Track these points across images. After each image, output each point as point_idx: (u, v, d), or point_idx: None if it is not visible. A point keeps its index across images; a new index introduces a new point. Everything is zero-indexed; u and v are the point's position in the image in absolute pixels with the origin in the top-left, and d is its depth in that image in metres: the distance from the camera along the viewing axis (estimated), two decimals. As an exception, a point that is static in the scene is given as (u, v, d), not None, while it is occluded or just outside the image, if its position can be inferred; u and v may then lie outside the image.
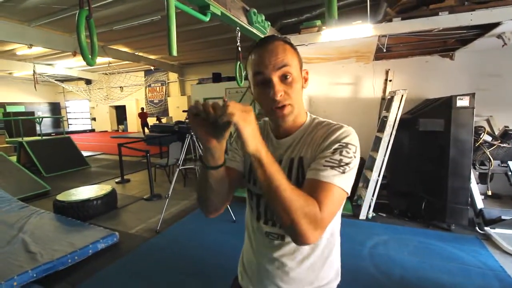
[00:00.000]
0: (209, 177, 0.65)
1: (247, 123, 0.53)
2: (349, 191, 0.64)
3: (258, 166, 0.56)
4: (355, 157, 0.66)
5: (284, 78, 0.67)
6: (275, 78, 0.66)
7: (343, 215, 3.50)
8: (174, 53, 1.36)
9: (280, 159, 0.75)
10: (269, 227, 0.77)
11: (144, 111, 13.24)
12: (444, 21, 2.74)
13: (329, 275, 0.80)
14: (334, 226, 0.80)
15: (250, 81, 0.72)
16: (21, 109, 14.80)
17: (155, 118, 13.33)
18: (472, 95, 2.81)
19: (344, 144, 0.66)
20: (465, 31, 3.03)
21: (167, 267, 2.44)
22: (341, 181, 0.62)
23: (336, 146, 0.66)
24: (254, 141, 0.54)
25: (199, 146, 3.81)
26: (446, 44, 3.71)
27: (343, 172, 0.63)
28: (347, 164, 0.64)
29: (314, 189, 0.61)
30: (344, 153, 0.65)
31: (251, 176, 0.80)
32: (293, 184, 0.70)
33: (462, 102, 2.83)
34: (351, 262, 2.46)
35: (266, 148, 0.56)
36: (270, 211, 0.77)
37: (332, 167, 0.63)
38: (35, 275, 2.15)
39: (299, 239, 0.58)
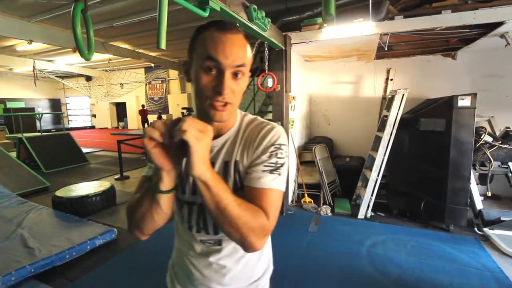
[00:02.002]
0: (159, 201, 0.60)
1: (200, 143, 0.50)
2: (284, 189, 0.67)
3: (204, 189, 0.55)
4: (287, 156, 0.69)
5: (235, 75, 0.63)
6: (228, 73, 0.61)
7: (340, 214, 3.48)
8: (163, 46, 1.33)
9: (213, 162, 0.70)
10: (203, 235, 0.74)
11: (145, 108, 13.25)
12: (447, 19, 2.72)
13: (263, 267, 0.81)
14: None
15: (194, 60, 0.64)
16: (21, 105, 14.80)
17: (156, 116, 13.30)
18: (473, 95, 2.80)
19: (278, 146, 0.67)
20: (468, 30, 3.01)
21: (165, 264, 2.43)
22: (279, 183, 0.65)
23: (271, 149, 0.66)
24: (200, 165, 0.52)
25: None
26: (448, 44, 3.68)
27: (280, 174, 0.65)
28: (282, 165, 0.66)
29: (257, 197, 0.62)
30: (279, 155, 0.66)
31: (180, 184, 0.73)
32: (231, 189, 0.65)
33: (464, 102, 2.81)
34: (349, 261, 2.45)
35: (211, 170, 0.55)
36: (203, 220, 0.72)
37: (271, 171, 0.64)
38: (33, 270, 2.16)
39: (248, 250, 0.60)
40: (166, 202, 0.61)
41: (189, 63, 0.67)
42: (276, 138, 0.68)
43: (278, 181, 0.65)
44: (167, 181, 0.58)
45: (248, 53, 0.65)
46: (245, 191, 0.65)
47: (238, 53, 0.61)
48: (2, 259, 2.24)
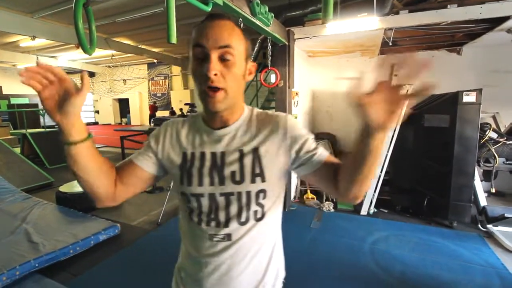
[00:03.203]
0: (72, 154, 0.62)
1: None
2: None
3: (381, 143, 0.57)
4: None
5: (223, 58, 0.62)
6: (214, 55, 0.61)
7: (343, 210, 3.48)
8: (174, 40, 1.32)
9: (223, 152, 0.70)
10: (213, 229, 0.70)
11: (156, 104, 13.63)
12: (453, 14, 2.68)
13: (274, 271, 0.78)
14: (279, 222, 0.79)
15: (190, 55, 0.67)
16: (25, 101, 14.83)
17: (168, 112, 13.34)
18: (479, 91, 2.76)
19: (297, 126, 0.73)
20: (474, 25, 2.96)
21: (167, 259, 2.44)
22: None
23: (301, 132, 0.72)
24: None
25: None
26: (453, 39, 3.63)
27: (317, 142, 0.74)
28: (311, 136, 0.74)
29: (332, 162, 0.70)
30: (304, 131, 0.73)
31: (185, 177, 0.71)
32: (249, 175, 0.68)
33: (469, 98, 2.78)
34: (351, 257, 2.45)
35: None
36: (215, 210, 0.70)
37: (317, 145, 0.73)
38: (37, 265, 2.18)
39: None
40: (82, 156, 0.63)
41: (189, 60, 0.68)
42: (292, 122, 0.73)
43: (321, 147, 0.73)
44: (63, 133, 0.60)
45: (236, 37, 0.64)
46: (322, 167, 0.70)
47: (222, 34, 0.62)
48: (6, 253, 2.27)
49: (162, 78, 14.24)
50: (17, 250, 2.32)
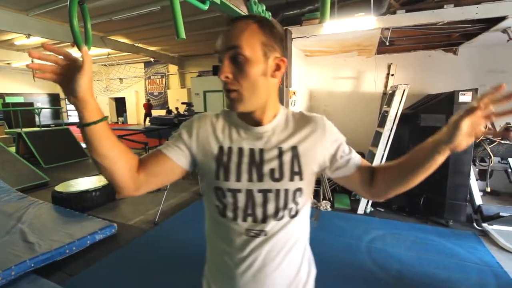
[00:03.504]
0: (87, 137, 0.61)
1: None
2: None
3: (442, 160, 0.62)
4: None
5: (234, 59, 0.62)
6: (225, 59, 0.62)
7: (340, 210, 3.48)
8: (183, 35, 1.32)
9: (262, 149, 0.70)
10: (249, 223, 0.69)
11: (150, 102, 13.54)
12: (449, 14, 2.70)
13: (306, 268, 0.79)
14: (309, 220, 0.79)
15: None
16: (20, 100, 14.71)
17: (164, 111, 13.30)
18: (474, 91, 2.78)
19: (342, 137, 0.76)
20: (470, 25, 2.98)
21: (164, 259, 2.45)
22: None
23: (336, 136, 0.75)
24: None
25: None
26: (450, 39, 3.65)
27: (350, 146, 0.78)
28: (344, 140, 0.78)
29: (366, 166, 0.75)
30: (338, 134, 0.76)
31: (222, 171, 0.70)
32: (288, 173, 0.69)
33: (465, 97, 2.80)
34: (349, 256, 2.46)
35: None
36: (252, 206, 0.69)
37: (350, 149, 0.76)
38: (33, 265, 2.16)
39: None
40: (97, 140, 0.62)
41: None
42: (330, 124, 0.75)
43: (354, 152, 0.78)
44: (85, 113, 0.59)
45: (249, 34, 0.62)
46: (357, 171, 0.74)
47: (230, 36, 0.62)
48: (2, 254, 2.24)
49: (159, 77, 14.17)
50: (12, 250, 2.29)
